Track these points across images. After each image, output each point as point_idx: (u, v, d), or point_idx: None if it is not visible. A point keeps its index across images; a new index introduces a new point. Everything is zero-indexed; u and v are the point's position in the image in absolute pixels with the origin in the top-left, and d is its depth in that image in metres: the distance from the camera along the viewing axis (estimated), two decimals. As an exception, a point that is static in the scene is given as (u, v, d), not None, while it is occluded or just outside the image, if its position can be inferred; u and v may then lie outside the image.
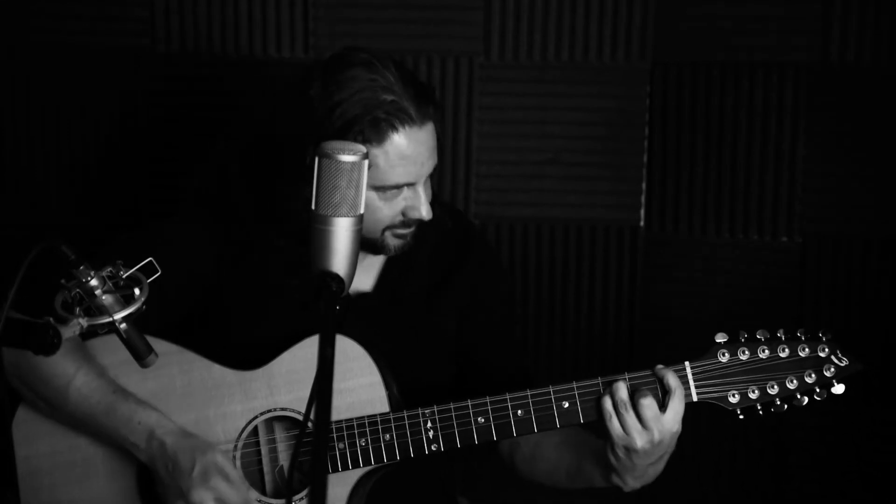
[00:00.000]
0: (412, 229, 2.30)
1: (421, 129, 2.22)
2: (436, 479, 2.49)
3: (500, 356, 2.47)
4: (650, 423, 2.14)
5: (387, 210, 2.25)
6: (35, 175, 3.11)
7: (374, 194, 2.21)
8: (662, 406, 2.15)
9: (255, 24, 3.03)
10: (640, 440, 2.14)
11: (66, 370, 2.25)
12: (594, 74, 3.00)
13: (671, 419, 2.15)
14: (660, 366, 2.19)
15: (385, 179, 2.20)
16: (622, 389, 2.16)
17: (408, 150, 2.20)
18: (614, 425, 2.16)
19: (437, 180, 2.76)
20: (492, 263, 2.53)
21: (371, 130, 2.18)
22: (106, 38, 3.06)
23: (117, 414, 2.24)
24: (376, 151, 2.18)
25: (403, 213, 2.26)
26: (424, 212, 2.26)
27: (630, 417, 2.15)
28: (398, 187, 2.23)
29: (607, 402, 2.16)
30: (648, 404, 2.14)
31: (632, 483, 2.23)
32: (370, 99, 2.18)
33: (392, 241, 2.29)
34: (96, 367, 2.27)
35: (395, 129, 2.19)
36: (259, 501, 2.26)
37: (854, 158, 2.86)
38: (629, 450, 2.16)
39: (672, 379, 2.16)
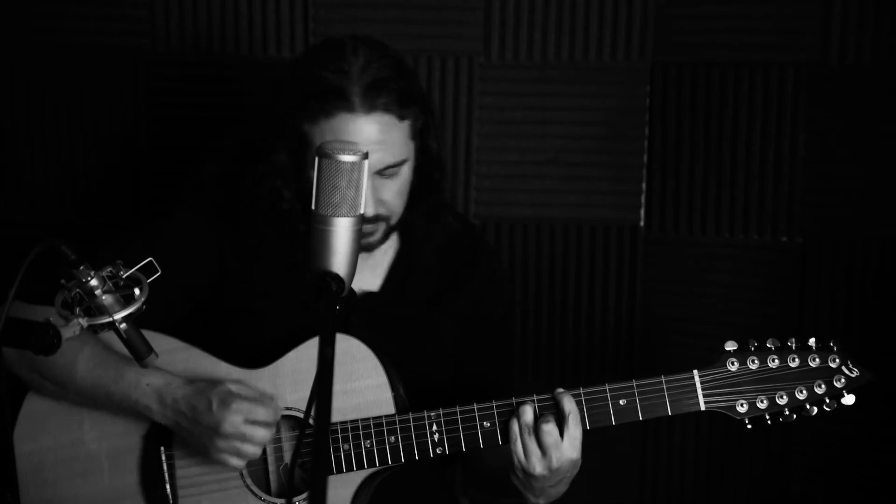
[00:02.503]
0: (373, 226, 2.26)
1: (364, 117, 2.19)
2: (437, 479, 2.49)
3: (490, 371, 2.47)
4: (549, 450, 2.12)
5: None
6: (35, 175, 3.11)
7: None
8: (561, 433, 2.13)
9: (255, 24, 3.03)
10: (538, 466, 2.13)
11: (72, 346, 2.23)
12: (594, 74, 3.00)
13: (569, 447, 2.13)
14: (560, 389, 2.17)
15: None
16: (528, 413, 2.14)
17: (342, 136, 2.18)
18: (517, 449, 2.14)
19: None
20: (499, 280, 2.53)
21: (311, 107, 2.19)
22: (106, 38, 3.06)
23: (125, 379, 2.22)
24: (314, 130, 2.20)
25: None
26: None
27: (531, 443, 2.13)
28: None
29: (514, 426, 2.15)
30: (549, 430, 2.12)
31: (533, 500, 2.23)
32: (320, 77, 2.20)
33: None
34: (101, 342, 2.26)
35: (328, 112, 2.19)
36: (263, 500, 2.26)
37: (854, 158, 2.86)
38: (527, 473, 2.15)
39: (567, 404, 2.14)
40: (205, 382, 2.21)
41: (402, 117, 2.23)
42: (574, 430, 2.13)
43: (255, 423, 2.15)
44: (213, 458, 2.19)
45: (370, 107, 2.19)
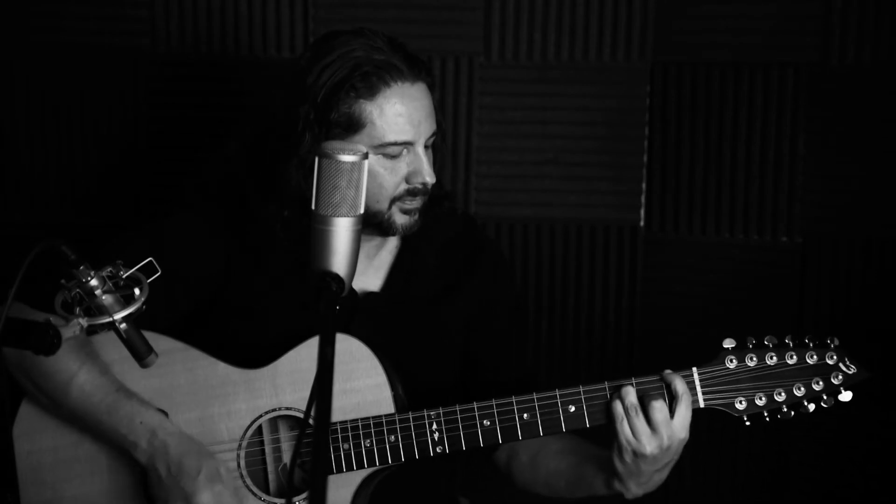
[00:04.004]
0: (418, 202, 2.29)
1: (413, 86, 2.23)
2: (437, 478, 2.48)
3: (509, 364, 2.47)
4: (660, 428, 2.13)
5: (390, 177, 2.24)
6: (35, 175, 3.11)
7: (375, 159, 2.20)
8: (671, 412, 2.15)
9: (255, 24, 3.04)
10: (649, 445, 2.14)
11: (70, 366, 2.24)
12: (594, 74, 3.00)
13: (679, 425, 2.15)
14: (668, 371, 2.18)
15: (383, 137, 2.20)
16: (632, 394, 2.15)
17: (402, 105, 2.21)
18: (624, 429, 2.15)
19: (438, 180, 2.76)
20: (503, 275, 2.53)
21: (363, 85, 2.19)
22: (106, 38, 3.06)
23: (119, 413, 2.23)
24: (370, 107, 2.20)
25: (407, 180, 2.26)
26: (427, 174, 2.25)
27: (640, 422, 2.14)
28: (396, 145, 2.22)
29: (618, 406, 2.15)
30: (659, 407, 2.13)
31: (635, 490, 2.22)
32: (360, 57, 2.21)
33: (400, 219, 2.29)
34: (100, 365, 2.27)
35: (386, 83, 2.20)
36: (263, 500, 2.26)
37: (854, 158, 2.86)
38: (637, 455, 2.15)
39: (680, 384, 2.15)
40: (202, 446, 2.22)
41: (430, 85, 2.28)
42: (686, 410, 2.14)
43: None
44: None
45: (416, 75, 2.24)
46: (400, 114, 2.21)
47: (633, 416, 2.14)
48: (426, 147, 2.27)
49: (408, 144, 2.24)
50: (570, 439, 2.33)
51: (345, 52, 2.21)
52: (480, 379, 2.44)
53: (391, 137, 2.21)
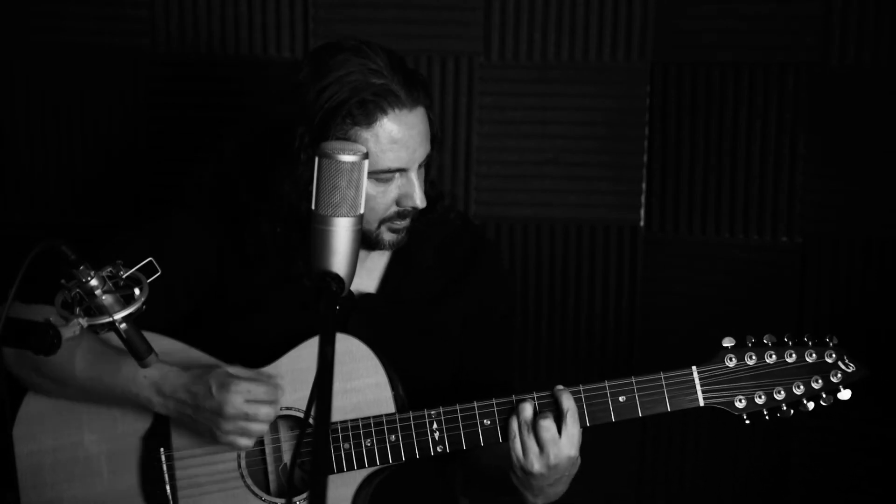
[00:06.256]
0: (407, 222, 2.28)
1: (411, 113, 2.21)
2: (437, 478, 2.49)
3: (493, 368, 2.47)
4: (547, 446, 2.12)
5: (381, 199, 2.23)
6: (35, 175, 3.11)
7: (366, 182, 2.19)
8: (560, 430, 2.14)
9: (255, 24, 3.04)
10: (536, 464, 2.14)
11: (69, 342, 2.24)
12: (594, 74, 3.00)
13: (566, 443, 2.13)
14: (559, 387, 2.17)
15: (376, 164, 2.17)
16: (527, 410, 2.15)
17: (398, 133, 2.19)
18: (516, 447, 2.15)
19: (438, 180, 2.76)
20: (500, 279, 2.53)
21: (360, 113, 2.17)
22: (106, 38, 3.06)
23: (123, 373, 2.22)
24: (366, 135, 2.18)
25: (397, 203, 2.25)
26: (418, 199, 2.24)
27: (530, 440, 2.13)
28: (390, 172, 2.21)
29: (513, 423, 2.15)
30: (547, 426, 2.13)
31: (532, 500, 2.23)
32: (358, 82, 2.18)
33: (387, 236, 2.28)
34: (98, 337, 2.26)
35: (384, 111, 2.18)
36: (263, 500, 2.26)
37: (854, 158, 2.87)
38: (525, 472, 2.15)
39: (566, 401, 2.14)
40: (202, 368, 2.21)
41: (427, 106, 2.26)
42: (572, 427, 2.14)
43: (256, 401, 2.16)
44: (221, 442, 2.19)
45: (414, 99, 2.21)
46: (395, 141, 2.19)
47: (525, 433, 2.14)
48: (420, 166, 2.26)
49: (401, 171, 2.23)
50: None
51: (342, 76, 2.18)
52: (461, 379, 2.44)
53: (385, 165, 2.19)
